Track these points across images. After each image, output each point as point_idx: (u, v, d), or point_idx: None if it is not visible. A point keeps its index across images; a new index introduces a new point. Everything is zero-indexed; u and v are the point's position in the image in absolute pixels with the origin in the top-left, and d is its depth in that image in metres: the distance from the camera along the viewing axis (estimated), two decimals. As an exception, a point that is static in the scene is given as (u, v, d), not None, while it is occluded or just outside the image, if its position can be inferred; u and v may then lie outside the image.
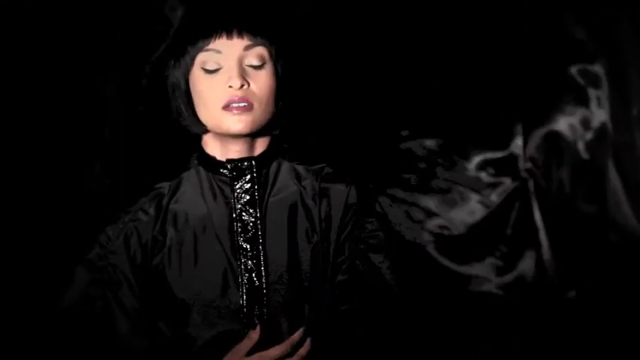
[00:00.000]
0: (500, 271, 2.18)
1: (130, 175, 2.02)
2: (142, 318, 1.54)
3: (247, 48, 1.51)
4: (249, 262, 1.53)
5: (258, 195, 1.56)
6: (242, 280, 1.52)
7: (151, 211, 1.58)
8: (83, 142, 2.08)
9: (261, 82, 1.52)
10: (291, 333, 1.51)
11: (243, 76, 1.50)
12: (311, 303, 1.54)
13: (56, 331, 1.56)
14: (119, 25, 2.08)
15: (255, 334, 1.49)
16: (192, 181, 1.60)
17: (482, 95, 2.17)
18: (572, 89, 2.13)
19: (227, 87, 1.49)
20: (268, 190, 1.58)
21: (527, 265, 2.17)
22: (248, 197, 1.55)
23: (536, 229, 2.17)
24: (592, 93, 2.12)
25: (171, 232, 1.56)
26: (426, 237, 2.14)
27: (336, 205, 1.58)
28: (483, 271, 2.17)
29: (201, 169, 1.59)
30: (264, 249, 1.54)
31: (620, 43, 2.10)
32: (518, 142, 2.17)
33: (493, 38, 2.17)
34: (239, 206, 1.55)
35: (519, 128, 2.17)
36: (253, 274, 1.52)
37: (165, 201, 1.59)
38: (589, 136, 2.10)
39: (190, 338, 1.53)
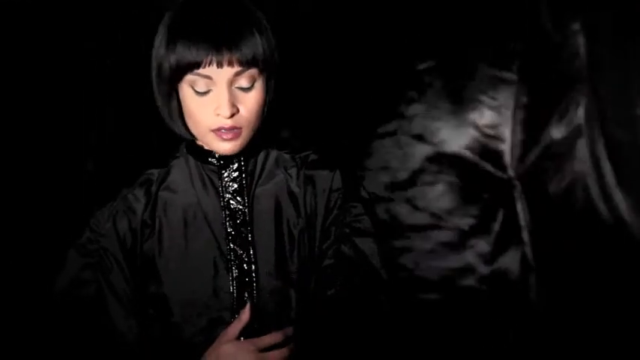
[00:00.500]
0: (485, 262, 2.20)
1: (119, 162, 2.04)
2: (134, 302, 1.55)
3: (238, 74, 1.47)
4: (239, 249, 1.55)
5: (246, 183, 1.58)
6: (232, 267, 1.54)
7: (141, 196, 1.60)
8: (73, 133, 2.11)
9: (251, 104, 1.50)
10: (280, 319, 1.54)
11: (232, 102, 1.47)
12: (298, 289, 1.56)
13: (49, 315, 1.56)
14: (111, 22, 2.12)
15: (245, 315, 1.50)
16: (181, 169, 1.61)
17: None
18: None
19: (216, 112, 1.48)
20: (256, 179, 1.60)
21: (510, 260, 2.19)
22: (236, 186, 1.57)
23: (519, 227, 2.19)
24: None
25: (160, 218, 1.58)
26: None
27: (321, 190, 1.59)
28: (468, 262, 2.19)
29: (190, 157, 1.60)
30: (252, 236, 1.56)
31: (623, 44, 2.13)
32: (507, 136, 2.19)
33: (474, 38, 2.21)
34: (227, 195, 1.57)
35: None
36: (243, 263, 1.54)
37: (154, 187, 1.60)
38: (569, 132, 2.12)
39: (180, 325, 1.54)
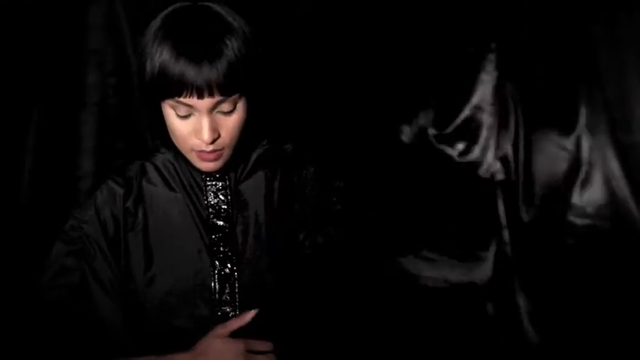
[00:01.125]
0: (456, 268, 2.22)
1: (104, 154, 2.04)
2: (118, 289, 1.55)
3: (219, 102, 1.46)
4: (221, 244, 1.57)
5: (229, 182, 1.60)
6: (214, 262, 1.56)
7: (123, 185, 1.60)
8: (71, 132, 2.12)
9: (232, 127, 1.49)
10: (260, 310, 1.54)
11: (213, 128, 1.46)
12: (277, 280, 1.58)
13: (36, 304, 1.56)
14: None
15: (247, 317, 1.51)
16: (166, 163, 1.62)
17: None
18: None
19: (197, 137, 1.47)
20: (239, 175, 1.61)
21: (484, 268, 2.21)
22: (220, 183, 1.59)
23: (500, 225, 2.21)
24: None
25: (145, 209, 1.58)
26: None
27: (299, 181, 1.62)
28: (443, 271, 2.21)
29: (173, 154, 1.60)
30: (234, 231, 1.58)
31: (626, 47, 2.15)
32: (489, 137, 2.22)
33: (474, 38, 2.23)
34: (211, 193, 1.59)
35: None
36: (227, 258, 1.56)
37: (138, 178, 1.61)
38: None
39: (163, 319, 1.55)
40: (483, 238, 2.22)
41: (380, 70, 2.23)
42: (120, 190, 1.59)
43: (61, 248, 1.58)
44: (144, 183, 1.60)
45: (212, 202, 1.58)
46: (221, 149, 1.49)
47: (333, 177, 1.65)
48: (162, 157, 1.63)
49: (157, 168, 1.62)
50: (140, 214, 1.58)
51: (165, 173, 1.61)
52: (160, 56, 1.42)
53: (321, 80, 2.23)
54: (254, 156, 1.63)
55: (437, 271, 2.21)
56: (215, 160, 1.50)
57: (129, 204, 1.58)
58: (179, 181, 1.60)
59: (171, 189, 1.60)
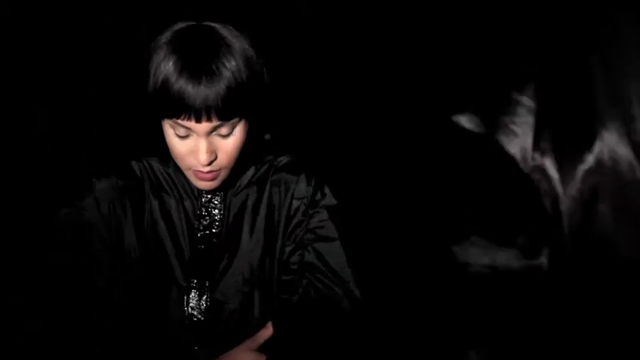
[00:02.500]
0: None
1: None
2: (116, 275, 1.59)
3: (217, 127, 1.47)
4: (203, 258, 1.61)
5: (225, 196, 1.62)
6: (193, 275, 1.60)
7: (123, 180, 1.62)
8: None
9: (230, 150, 1.50)
10: (244, 321, 1.60)
11: (210, 151, 1.48)
12: (262, 293, 1.61)
13: (38, 288, 1.58)
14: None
15: (267, 332, 1.57)
16: (161, 172, 1.64)
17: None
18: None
19: (194, 158, 1.49)
20: (235, 189, 1.63)
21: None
22: (217, 198, 1.62)
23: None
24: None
25: (139, 206, 1.62)
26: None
27: (286, 196, 1.62)
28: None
29: (171, 162, 1.62)
30: (226, 242, 1.61)
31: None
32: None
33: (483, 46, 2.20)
34: (205, 202, 1.62)
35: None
36: (214, 269, 1.60)
37: (136, 177, 1.63)
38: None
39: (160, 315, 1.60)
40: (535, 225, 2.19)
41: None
42: (119, 183, 1.61)
43: (62, 232, 1.59)
44: (145, 181, 1.63)
45: (204, 215, 1.61)
46: (218, 170, 1.51)
47: (324, 194, 1.63)
48: (160, 162, 1.65)
49: (154, 170, 1.64)
50: (134, 209, 1.61)
51: (161, 177, 1.63)
52: (165, 68, 1.43)
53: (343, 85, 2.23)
54: (252, 171, 1.64)
55: (487, 257, 2.21)
56: (211, 180, 1.52)
57: (126, 198, 1.60)
58: (174, 186, 1.62)
59: (166, 192, 1.62)
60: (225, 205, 1.61)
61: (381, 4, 2.22)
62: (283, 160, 1.65)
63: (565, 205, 2.16)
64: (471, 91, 2.19)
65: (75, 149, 2.19)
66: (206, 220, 1.60)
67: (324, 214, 1.60)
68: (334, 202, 1.62)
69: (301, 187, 1.62)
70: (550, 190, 2.17)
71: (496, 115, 2.19)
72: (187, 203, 1.61)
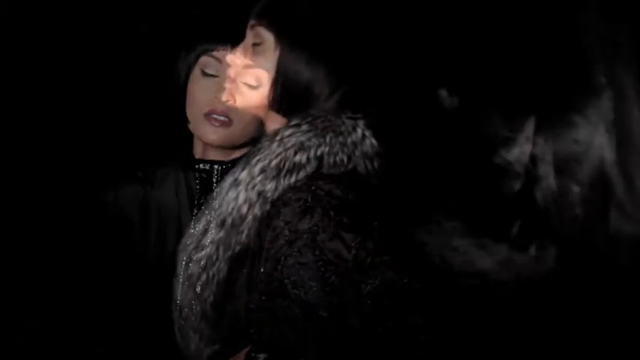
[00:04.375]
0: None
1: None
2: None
3: (246, 67, 1.45)
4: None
5: (218, 172, 1.65)
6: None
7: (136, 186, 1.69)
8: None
9: (249, 102, 1.47)
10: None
11: (231, 92, 1.46)
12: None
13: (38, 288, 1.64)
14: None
15: None
16: (169, 174, 1.69)
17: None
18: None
19: (214, 96, 1.55)
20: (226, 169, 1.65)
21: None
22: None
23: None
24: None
25: (147, 213, 1.67)
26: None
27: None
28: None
29: (177, 168, 1.69)
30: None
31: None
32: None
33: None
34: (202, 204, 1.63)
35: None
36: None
37: (143, 184, 1.69)
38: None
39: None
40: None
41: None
42: (133, 188, 1.69)
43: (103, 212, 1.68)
44: (148, 189, 1.68)
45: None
46: (231, 119, 1.55)
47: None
48: (166, 169, 1.70)
49: (160, 179, 1.70)
50: (139, 217, 1.67)
51: (168, 183, 1.68)
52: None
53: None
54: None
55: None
56: (221, 126, 1.57)
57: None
58: (178, 191, 1.67)
59: (171, 198, 1.67)
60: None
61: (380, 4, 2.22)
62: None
63: (561, 200, 2.17)
64: (470, 91, 2.19)
65: (74, 149, 2.19)
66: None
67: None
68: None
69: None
70: (546, 185, 2.17)
71: (491, 112, 2.20)
72: (189, 203, 1.66)
